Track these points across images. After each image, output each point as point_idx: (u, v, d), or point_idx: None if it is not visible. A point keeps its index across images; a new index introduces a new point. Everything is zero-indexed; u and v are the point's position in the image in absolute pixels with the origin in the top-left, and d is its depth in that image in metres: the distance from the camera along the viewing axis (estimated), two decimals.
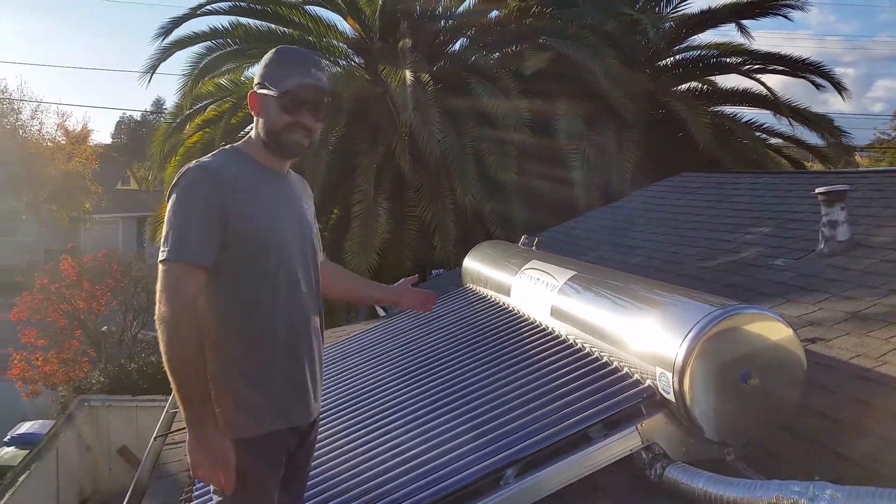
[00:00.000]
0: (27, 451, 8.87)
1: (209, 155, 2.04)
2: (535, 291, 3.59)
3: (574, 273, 3.36)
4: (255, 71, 2.26)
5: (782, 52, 11.77)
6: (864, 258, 3.93)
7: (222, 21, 11.12)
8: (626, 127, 10.05)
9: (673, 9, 12.30)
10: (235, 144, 2.10)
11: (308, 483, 2.38)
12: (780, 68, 11.83)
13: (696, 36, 12.36)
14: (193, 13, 11.15)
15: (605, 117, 10.17)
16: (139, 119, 56.12)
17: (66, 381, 12.82)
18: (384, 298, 2.58)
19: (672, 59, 12.33)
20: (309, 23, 11.51)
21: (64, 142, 30.29)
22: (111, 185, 34.52)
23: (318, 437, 2.74)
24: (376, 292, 2.61)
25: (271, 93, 1.99)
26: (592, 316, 2.96)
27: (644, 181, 8.52)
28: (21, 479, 7.31)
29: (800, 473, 2.04)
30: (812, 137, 11.88)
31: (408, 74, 9.35)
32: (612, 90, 9.82)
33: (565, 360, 2.94)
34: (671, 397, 2.31)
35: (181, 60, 11.62)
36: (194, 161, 1.98)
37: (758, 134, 11.90)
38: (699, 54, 12.25)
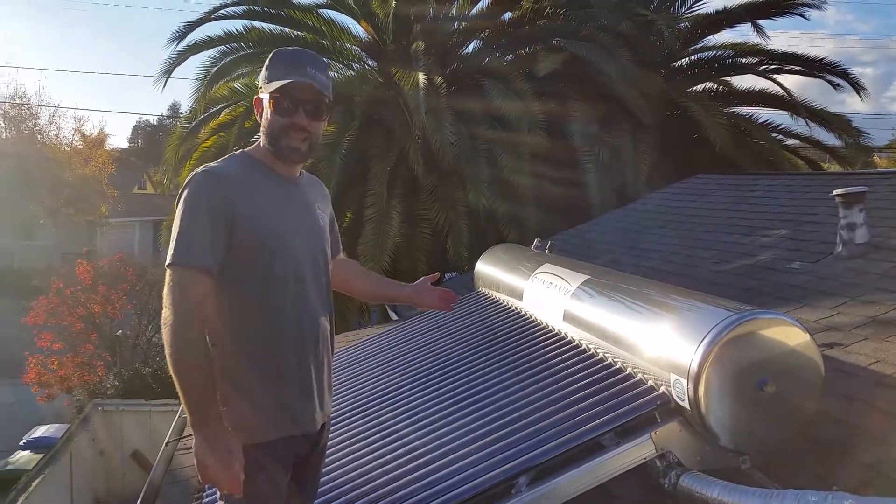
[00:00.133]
0: (42, 456, 8.93)
1: (219, 160, 2.04)
2: (547, 296, 3.56)
3: (587, 277, 3.33)
4: None
5: (799, 52, 11.66)
6: (883, 261, 3.86)
7: (236, 25, 11.16)
8: (640, 128, 9.98)
9: (688, 9, 12.21)
10: (246, 150, 2.10)
11: (319, 489, 2.36)
12: (797, 68, 11.72)
13: (711, 36, 12.25)
14: (208, 17, 11.22)
15: (620, 119, 10.10)
16: (156, 123, 56.57)
17: (81, 385, 12.90)
18: (403, 297, 2.53)
19: (687, 59, 12.24)
20: (322, 26, 11.53)
21: (81, 146, 30.57)
22: (128, 190, 34.79)
23: (330, 441, 2.73)
24: (396, 291, 2.57)
25: (266, 95, 1.98)
26: (605, 321, 2.93)
27: (659, 183, 8.45)
28: (35, 483, 7.36)
29: (817, 483, 2.00)
30: (829, 138, 11.74)
31: (421, 77, 9.34)
32: (627, 91, 9.76)
33: (578, 366, 2.90)
34: (686, 404, 2.27)
35: (197, 64, 11.70)
36: (202, 166, 1.97)
37: (774, 135, 11.78)
38: (715, 55, 12.14)
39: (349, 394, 3.55)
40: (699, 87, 12.09)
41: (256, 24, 11.28)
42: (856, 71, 12.15)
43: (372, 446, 2.84)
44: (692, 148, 10.39)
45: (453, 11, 12.15)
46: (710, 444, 2.30)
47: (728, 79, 12.42)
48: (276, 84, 1.95)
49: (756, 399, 2.24)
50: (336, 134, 9.52)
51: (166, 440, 4.17)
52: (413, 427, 2.88)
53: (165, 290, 1.80)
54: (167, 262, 1.83)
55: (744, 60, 11.84)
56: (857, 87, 11.32)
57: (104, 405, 9.35)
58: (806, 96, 11.37)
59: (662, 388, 2.41)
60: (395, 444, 2.79)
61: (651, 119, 9.96)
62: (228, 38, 11.08)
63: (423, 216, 10.08)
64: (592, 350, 3.00)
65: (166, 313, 1.78)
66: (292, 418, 1.94)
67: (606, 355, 2.87)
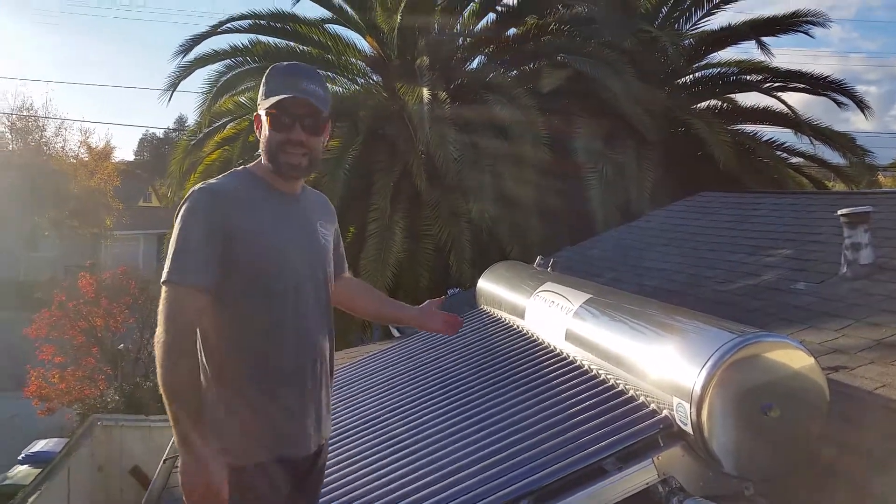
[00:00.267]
0: (40, 470, 8.87)
1: (219, 176, 2.03)
2: (549, 314, 3.53)
3: (589, 296, 3.30)
4: None
5: (803, 70, 11.68)
6: (888, 282, 3.82)
7: (242, 39, 11.22)
8: (644, 145, 9.98)
9: (692, 26, 12.24)
10: (248, 166, 2.08)
11: None
12: (801, 86, 11.72)
13: (715, 53, 12.30)
14: (214, 31, 11.28)
15: (624, 135, 10.11)
16: (162, 136, 56.80)
17: (81, 399, 12.87)
18: (408, 319, 2.50)
19: (691, 76, 12.26)
20: (328, 41, 11.60)
21: (87, 158, 30.71)
22: (134, 202, 34.90)
23: (329, 460, 2.70)
24: (400, 312, 2.53)
25: (263, 112, 1.97)
26: (608, 341, 2.89)
27: (663, 200, 8.43)
28: (31, 499, 7.29)
29: None
30: (834, 156, 11.74)
31: (425, 92, 9.35)
32: (631, 108, 9.76)
33: (580, 388, 2.87)
34: (688, 429, 2.23)
35: (203, 78, 11.75)
36: (200, 183, 1.96)
37: (778, 153, 11.78)
38: (719, 72, 12.18)
39: (349, 411, 3.52)
40: (703, 104, 12.11)
41: (262, 38, 11.36)
42: (860, 89, 12.22)
43: (371, 466, 2.81)
44: (696, 165, 10.38)
45: (458, 27, 12.21)
46: (713, 469, 2.26)
47: (732, 96, 12.45)
48: (273, 100, 1.93)
49: (760, 424, 2.20)
50: (340, 148, 9.55)
51: (165, 456, 4.14)
52: (411, 448, 2.84)
53: (160, 307, 1.79)
54: (162, 278, 1.82)
55: (748, 78, 11.86)
56: (862, 105, 11.32)
57: (103, 420, 9.29)
58: (810, 114, 11.44)
59: (665, 412, 2.38)
60: (397, 463, 2.76)
61: (655, 136, 9.95)
62: (234, 52, 11.14)
63: (426, 231, 10.07)
64: (594, 371, 2.97)
65: (160, 330, 1.77)
66: (285, 440, 1.92)
67: (608, 376, 2.83)
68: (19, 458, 11.67)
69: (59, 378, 13.18)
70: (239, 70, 11.17)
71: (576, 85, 10.23)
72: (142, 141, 59.21)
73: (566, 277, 4.02)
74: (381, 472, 2.73)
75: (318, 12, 11.85)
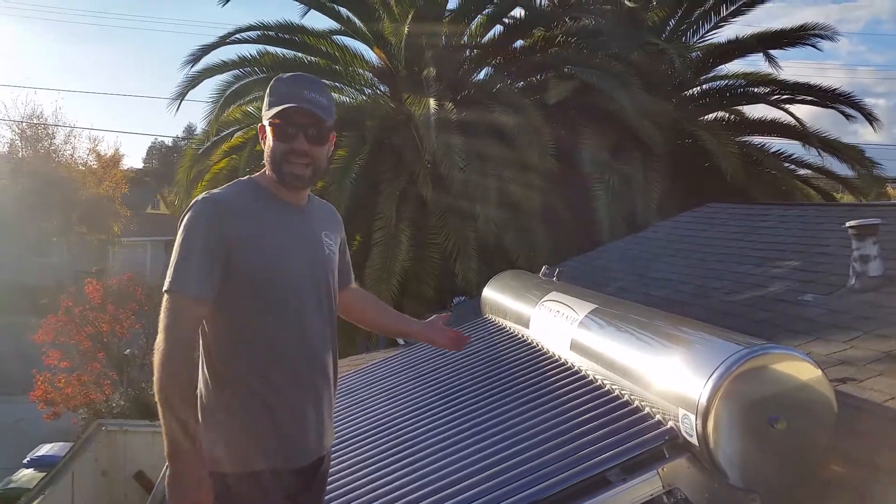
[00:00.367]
0: (45, 474, 8.87)
1: (223, 186, 2.04)
2: (554, 324, 3.51)
3: (595, 306, 3.28)
4: None
5: (811, 82, 11.67)
6: None
7: (250, 49, 11.28)
8: (651, 156, 9.97)
9: (700, 38, 12.25)
10: (253, 176, 2.08)
11: None
12: (809, 98, 11.71)
13: (723, 65, 12.31)
14: (222, 41, 11.34)
15: (631, 146, 10.10)
16: (171, 144, 57.07)
17: (87, 404, 12.88)
18: (414, 333, 2.50)
19: (699, 88, 12.27)
20: (336, 52, 11.65)
21: (95, 166, 30.85)
22: (142, 209, 35.06)
23: (332, 468, 2.68)
24: (407, 326, 2.53)
25: (267, 122, 1.97)
26: (613, 352, 2.88)
27: (670, 211, 8.41)
28: (35, 503, 7.28)
29: None
30: (842, 168, 11.70)
31: (432, 103, 9.38)
32: (638, 120, 9.76)
33: (585, 398, 2.85)
34: (694, 440, 2.21)
35: (212, 88, 11.82)
36: (203, 193, 1.97)
37: (786, 164, 11.75)
38: (726, 84, 12.18)
39: (353, 417, 3.51)
40: (711, 115, 12.11)
41: (270, 48, 11.42)
42: (868, 102, 12.21)
43: (374, 475, 2.79)
44: (703, 177, 10.36)
45: (465, 39, 12.25)
46: (719, 481, 2.23)
47: (740, 108, 12.45)
48: (276, 110, 1.93)
49: (766, 436, 2.18)
50: (347, 158, 9.57)
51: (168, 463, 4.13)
52: (414, 458, 2.83)
53: (161, 316, 1.80)
54: (164, 287, 1.82)
55: (756, 90, 11.85)
56: (870, 117, 11.30)
57: (108, 425, 9.30)
58: (818, 126, 11.37)
59: (671, 423, 2.36)
60: (396, 474, 2.74)
61: (662, 147, 9.95)
62: (242, 62, 11.20)
63: (432, 240, 10.08)
64: (599, 381, 2.95)
65: (160, 338, 1.77)
66: (283, 449, 1.91)
67: (613, 387, 2.82)
68: (24, 461, 11.65)
69: (65, 383, 13.20)
70: (247, 80, 11.24)
71: (582, 96, 10.25)
72: (150, 149, 59.68)
73: (572, 287, 4.01)
74: (385, 480, 2.72)
75: (327, 23, 11.92)
